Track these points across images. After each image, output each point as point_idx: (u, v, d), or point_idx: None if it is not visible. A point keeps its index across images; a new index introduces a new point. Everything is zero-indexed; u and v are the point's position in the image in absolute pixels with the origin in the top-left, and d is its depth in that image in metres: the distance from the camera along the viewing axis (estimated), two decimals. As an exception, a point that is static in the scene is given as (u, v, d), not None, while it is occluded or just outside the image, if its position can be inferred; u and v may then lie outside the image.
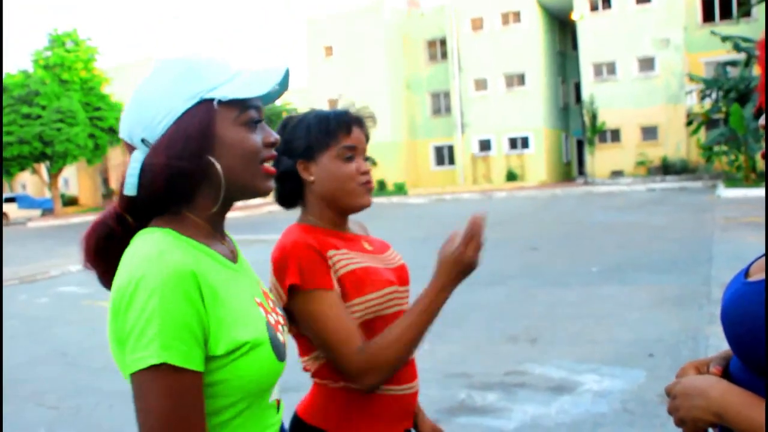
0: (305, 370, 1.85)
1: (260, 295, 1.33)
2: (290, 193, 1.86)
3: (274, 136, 1.29)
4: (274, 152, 1.29)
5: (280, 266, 1.69)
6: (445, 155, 41.79)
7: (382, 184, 37.49)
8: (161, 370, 1.06)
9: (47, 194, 48.19)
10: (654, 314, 7.17)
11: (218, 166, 1.21)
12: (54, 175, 40.51)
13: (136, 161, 1.20)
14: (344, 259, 1.74)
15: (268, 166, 1.29)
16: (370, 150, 1.93)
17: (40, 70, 39.52)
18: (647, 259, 10.72)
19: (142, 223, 1.25)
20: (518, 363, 5.80)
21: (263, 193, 1.30)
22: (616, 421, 4.37)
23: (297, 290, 1.66)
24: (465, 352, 6.28)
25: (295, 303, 1.68)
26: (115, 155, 45.81)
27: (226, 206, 1.30)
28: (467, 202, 28.51)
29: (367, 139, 1.88)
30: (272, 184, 1.31)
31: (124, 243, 1.23)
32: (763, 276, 1.21)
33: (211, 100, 1.21)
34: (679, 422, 1.23)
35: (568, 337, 6.54)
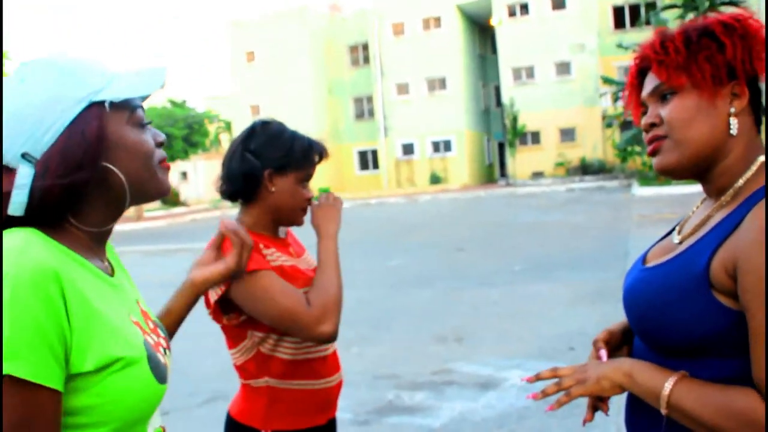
0: (235, 367, 1.95)
1: (137, 314, 1.19)
2: (243, 192, 1.94)
3: (162, 135, 1.22)
4: (164, 153, 1.22)
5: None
6: (369, 159, 41.95)
7: (307, 190, 37.28)
8: (4, 383, 0.90)
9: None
10: (574, 309, 7.41)
11: (118, 172, 1.11)
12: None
13: (25, 179, 1.05)
14: (274, 256, 1.88)
15: (166, 162, 1.21)
16: None
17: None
18: (568, 256, 11.06)
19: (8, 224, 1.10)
20: (446, 362, 5.90)
21: (166, 193, 1.21)
22: (540, 413, 4.51)
23: (239, 274, 1.75)
24: (393, 353, 6.36)
25: (236, 287, 1.77)
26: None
27: (116, 217, 1.19)
28: (392, 206, 28.70)
29: None
30: (170, 182, 1.24)
31: None
32: (657, 261, 1.32)
33: (102, 102, 1.10)
34: (582, 381, 1.30)
35: (493, 335, 6.69)
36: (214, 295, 1.81)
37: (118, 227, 26.86)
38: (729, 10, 1.36)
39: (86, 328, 0.99)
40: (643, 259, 1.41)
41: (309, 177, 1.99)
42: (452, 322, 7.38)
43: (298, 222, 2.00)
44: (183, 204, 41.65)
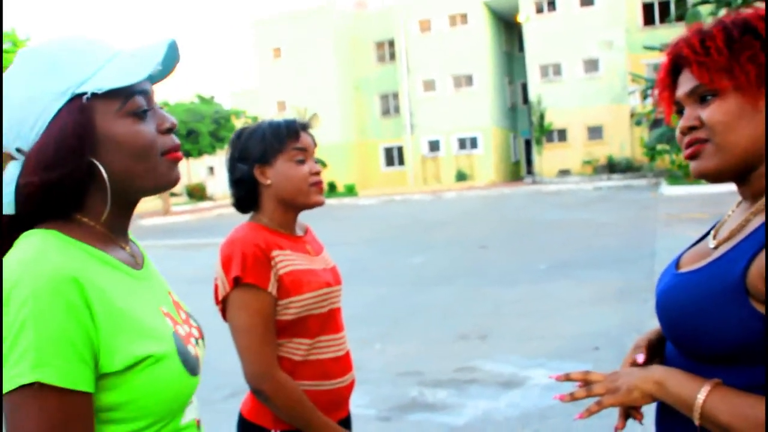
0: None
1: (169, 304, 1.18)
2: (246, 198, 1.98)
3: (170, 120, 1.13)
4: (175, 139, 1.14)
5: (227, 259, 1.85)
6: (394, 156, 41.94)
7: (332, 186, 37.47)
8: (35, 390, 0.91)
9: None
10: (599, 309, 7.36)
11: (102, 169, 1.06)
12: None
13: (11, 177, 1.05)
14: (286, 260, 1.89)
15: (174, 153, 1.14)
16: (321, 152, 2.05)
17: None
18: (592, 255, 10.98)
19: (31, 226, 1.09)
20: (468, 360, 5.90)
21: (170, 186, 1.15)
22: (563, 413, 4.49)
23: (239, 282, 1.82)
24: (416, 350, 6.36)
25: (233, 293, 1.83)
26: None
27: (127, 208, 1.16)
28: (417, 203, 28.68)
29: (314, 143, 2.03)
30: (178, 173, 1.15)
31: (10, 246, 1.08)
32: (692, 267, 1.28)
33: (84, 95, 1.04)
34: (613, 390, 1.28)
35: (516, 334, 6.67)
36: (222, 292, 1.87)
37: (145, 221, 27.15)
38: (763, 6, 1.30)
39: (111, 329, 0.99)
40: (677, 263, 1.37)
41: (300, 152, 1.96)
42: (475, 319, 7.37)
43: (313, 201, 1.99)
44: (209, 199, 41.99)
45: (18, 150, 1.06)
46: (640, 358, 1.37)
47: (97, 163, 1.05)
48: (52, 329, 0.92)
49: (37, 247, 1.00)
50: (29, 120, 1.04)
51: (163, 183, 1.13)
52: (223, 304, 1.88)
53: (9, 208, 1.05)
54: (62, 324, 0.93)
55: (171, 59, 1.12)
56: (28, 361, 0.91)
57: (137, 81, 1.06)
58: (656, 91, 1.36)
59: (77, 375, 0.94)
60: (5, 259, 1.00)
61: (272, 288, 1.84)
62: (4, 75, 1.08)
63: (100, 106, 1.05)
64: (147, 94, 1.10)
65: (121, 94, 1.06)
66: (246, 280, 1.81)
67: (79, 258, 1.03)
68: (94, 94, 1.04)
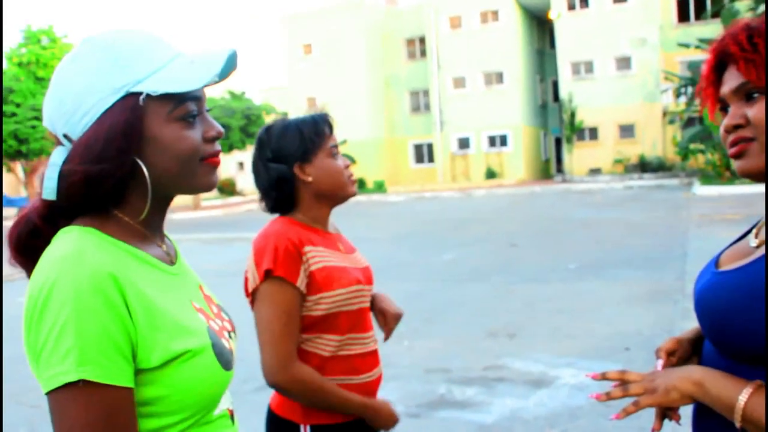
0: None
1: (200, 299, 1.20)
2: (285, 198, 1.98)
3: (216, 128, 1.14)
4: (217, 146, 1.16)
5: (259, 251, 1.86)
6: (424, 153, 41.87)
7: (362, 183, 37.51)
8: (79, 388, 0.94)
9: (23, 193, 47.66)
10: (630, 309, 7.29)
11: (145, 169, 1.07)
12: (29, 173, 40.03)
13: (55, 163, 1.06)
14: (318, 256, 1.90)
15: (213, 159, 1.15)
16: (350, 148, 2.06)
17: (14, 67, 39.07)
18: (624, 255, 10.86)
19: (69, 221, 1.11)
20: (497, 358, 5.88)
21: (205, 190, 1.17)
22: (592, 413, 4.46)
23: (269, 275, 1.83)
24: (445, 347, 6.35)
25: (262, 285, 1.85)
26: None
27: (163, 206, 1.17)
28: (446, 200, 28.61)
29: None
30: (216, 178, 1.18)
31: (49, 241, 1.09)
32: (733, 266, 1.26)
33: (138, 94, 1.05)
34: (651, 390, 1.26)
35: (546, 332, 6.63)
36: (252, 284, 1.88)
37: (176, 216, 27.45)
38: None
39: (149, 326, 1.02)
40: (716, 262, 1.35)
41: (335, 148, 2.00)
42: (505, 317, 7.34)
43: (350, 192, 2.03)
44: (239, 194, 42.31)
45: (65, 136, 1.07)
46: (659, 365, 1.35)
47: (141, 163, 1.07)
48: (94, 327, 0.95)
49: (76, 245, 1.02)
50: (81, 109, 1.05)
51: (201, 187, 1.15)
52: (253, 297, 1.89)
53: (50, 194, 1.06)
54: (103, 322, 0.96)
55: (228, 69, 1.11)
56: (71, 359, 0.93)
57: (192, 89, 1.07)
58: (700, 88, 1.33)
59: (119, 371, 0.97)
60: (44, 256, 1.03)
61: (301, 284, 1.85)
62: (68, 59, 1.09)
63: (152, 107, 1.07)
64: (199, 100, 1.12)
65: (174, 99, 1.07)
66: (276, 273, 1.82)
67: (117, 255, 1.05)
68: (148, 96, 1.05)
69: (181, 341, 1.05)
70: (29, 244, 1.11)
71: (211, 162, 1.14)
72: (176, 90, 1.06)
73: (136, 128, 1.05)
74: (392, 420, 1.99)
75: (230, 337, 1.21)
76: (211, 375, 1.08)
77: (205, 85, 1.08)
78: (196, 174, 1.12)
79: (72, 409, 0.94)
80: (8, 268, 1.17)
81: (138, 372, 1.01)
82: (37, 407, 5.53)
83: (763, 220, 1.33)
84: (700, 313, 1.30)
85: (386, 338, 2.12)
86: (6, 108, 36.73)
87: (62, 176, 1.05)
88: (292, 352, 1.84)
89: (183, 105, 1.08)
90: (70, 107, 1.06)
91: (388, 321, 2.10)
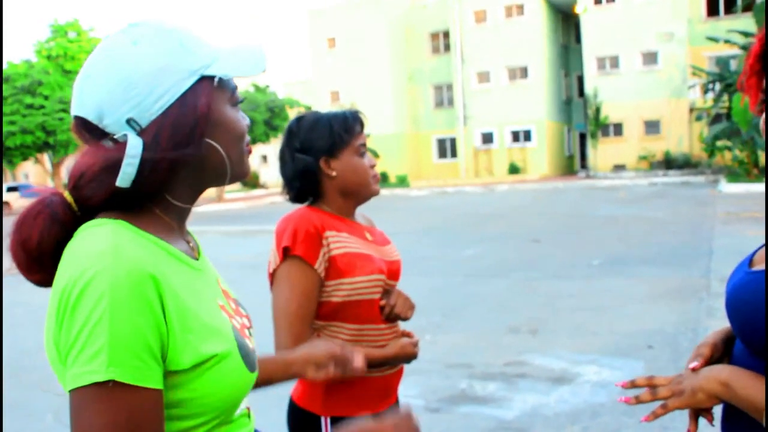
0: None
1: (221, 295, 1.17)
2: (307, 189, 1.99)
3: (247, 119, 1.18)
4: (248, 136, 1.19)
5: (280, 232, 1.88)
6: (447, 148, 41.80)
7: (384, 177, 37.51)
8: (107, 388, 0.90)
9: (50, 184, 48.25)
10: (654, 306, 7.22)
11: (221, 149, 1.09)
12: (56, 164, 40.54)
13: (135, 149, 1.00)
14: (341, 241, 1.90)
15: (248, 146, 1.18)
16: (373, 142, 2.07)
17: (43, 60, 39.52)
18: (648, 252, 10.77)
19: (87, 215, 1.06)
20: (519, 353, 5.86)
21: (246, 176, 1.19)
22: (614, 410, 4.43)
23: (287, 253, 1.84)
24: (466, 342, 6.34)
25: (281, 265, 1.86)
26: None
27: (196, 197, 1.16)
28: (469, 195, 28.54)
29: None
30: (250, 165, 1.20)
31: (69, 237, 1.04)
32: (764, 265, 1.25)
33: (211, 77, 1.07)
34: (678, 393, 1.26)
35: (568, 329, 6.59)
36: (273, 265, 1.89)
37: (200, 208, 27.66)
38: None
39: (182, 329, 0.99)
40: (750, 261, 1.33)
41: (363, 146, 2.01)
42: (527, 313, 7.31)
43: (373, 191, 2.04)
44: (262, 186, 42.54)
45: (128, 121, 1.02)
46: (693, 365, 1.33)
47: (216, 145, 1.09)
48: (128, 327, 0.92)
49: (112, 239, 0.98)
50: (157, 91, 1.02)
51: (247, 171, 1.17)
52: (272, 279, 1.90)
53: (127, 181, 1.01)
54: (138, 321, 0.92)
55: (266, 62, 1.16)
56: (103, 358, 0.90)
57: (255, 73, 1.10)
58: (743, 77, 1.28)
59: (150, 373, 0.94)
60: (75, 249, 0.98)
61: (319, 267, 1.85)
62: (124, 42, 1.05)
63: (218, 91, 1.09)
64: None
65: (230, 85, 1.12)
66: (294, 251, 1.83)
67: (153, 252, 1.02)
68: (219, 80, 1.08)
69: (211, 344, 1.03)
70: (55, 245, 1.04)
71: (249, 148, 1.18)
72: (244, 74, 1.09)
73: (212, 111, 1.07)
74: (411, 352, 1.99)
75: (249, 334, 1.20)
76: (238, 378, 1.07)
77: (261, 72, 1.11)
78: (243, 157, 1.15)
79: (97, 409, 0.91)
80: (8, 262, 1.13)
81: (167, 374, 0.98)
82: (63, 395, 5.60)
83: None
84: (730, 312, 1.29)
85: (385, 315, 1.96)
86: (34, 100, 37.19)
87: (145, 164, 1.01)
88: (305, 334, 1.83)
89: (236, 92, 1.13)
90: (144, 89, 1.02)
91: (392, 297, 1.97)
